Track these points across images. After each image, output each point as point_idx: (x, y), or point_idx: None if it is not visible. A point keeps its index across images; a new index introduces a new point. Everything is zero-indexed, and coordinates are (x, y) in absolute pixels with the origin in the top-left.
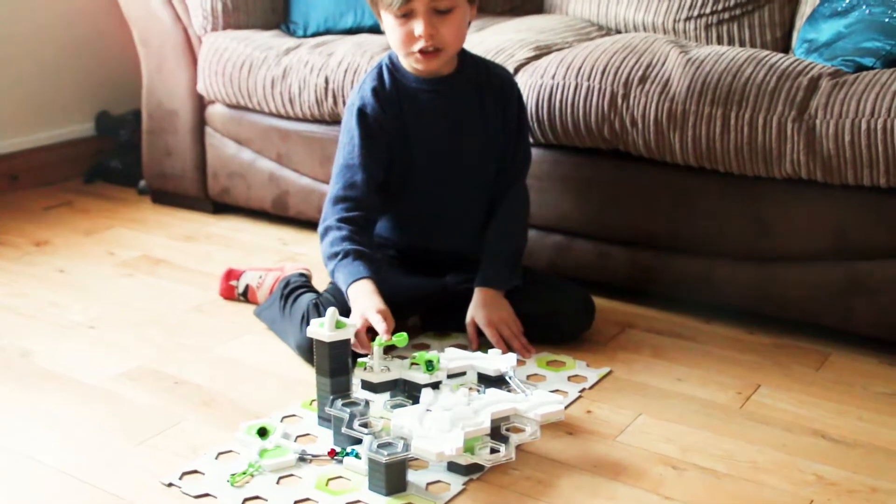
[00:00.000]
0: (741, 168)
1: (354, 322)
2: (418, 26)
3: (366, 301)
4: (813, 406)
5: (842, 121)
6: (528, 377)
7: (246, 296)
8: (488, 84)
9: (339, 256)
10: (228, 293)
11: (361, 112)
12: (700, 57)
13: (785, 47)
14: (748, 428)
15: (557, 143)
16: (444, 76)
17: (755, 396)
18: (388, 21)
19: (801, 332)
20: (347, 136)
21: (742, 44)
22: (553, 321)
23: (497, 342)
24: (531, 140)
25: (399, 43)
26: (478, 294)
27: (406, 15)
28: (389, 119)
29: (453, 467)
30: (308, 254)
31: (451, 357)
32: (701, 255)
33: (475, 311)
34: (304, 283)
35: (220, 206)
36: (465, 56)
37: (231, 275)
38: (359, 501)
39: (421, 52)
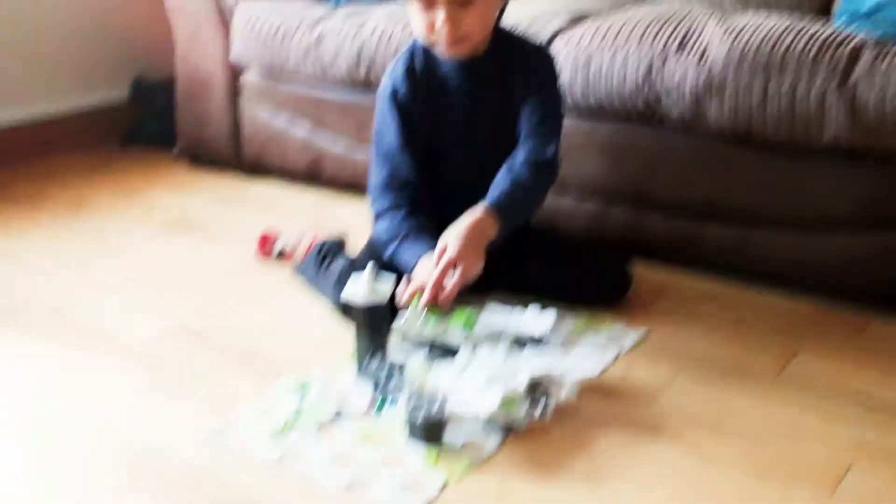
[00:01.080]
0: (780, 137)
1: (389, 288)
2: (439, 18)
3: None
4: (853, 373)
5: (884, 91)
6: (566, 338)
7: (282, 257)
8: (516, 63)
9: (399, 239)
10: (266, 254)
11: (394, 95)
12: (739, 26)
13: (825, 17)
14: (787, 393)
15: (594, 112)
16: (475, 58)
17: (794, 362)
18: (412, 8)
19: (840, 300)
20: (384, 121)
21: (781, 13)
22: (590, 287)
23: (434, 280)
24: (563, 111)
25: (422, 31)
26: (471, 212)
27: (429, 4)
28: (420, 100)
29: (490, 426)
30: (343, 218)
31: (489, 316)
32: (738, 223)
33: (456, 227)
34: (336, 248)
35: (257, 170)
36: (498, 35)
37: (267, 238)
38: (397, 453)
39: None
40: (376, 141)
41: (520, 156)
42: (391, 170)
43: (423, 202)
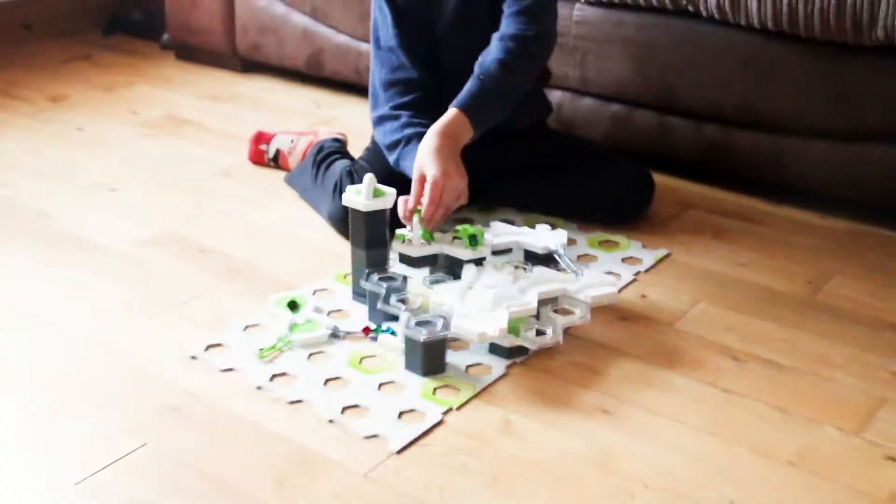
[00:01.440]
0: (826, 33)
1: (394, 191)
2: None
3: None
4: (890, 298)
5: None
6: (579, 257)
7: (276, 161)
8: None
9: (402, 143)
10: (258, 157)
11: None
12: None
13: None
14: (817, 319)
15: (619, 2)
16: None
17: (827, 286)
18: None
19: (879, 218)
20: (381, 15)
21: None
22: (607, 199)
23: (429, 199)
24: None
25: None
26: (441, 119)
27: None
28: None
29: (495, 349)
30: (344, 118)
31: (496, 232)
32: (773, 130)
33: (426, 143)
34: (338, 148)
35: (250, 65)
36: None
37: (261, 138)
38: (393, 382)
39: None
40: (374, 37)
41: (493, 42)
42: (392, 66)
43: (426, 102)
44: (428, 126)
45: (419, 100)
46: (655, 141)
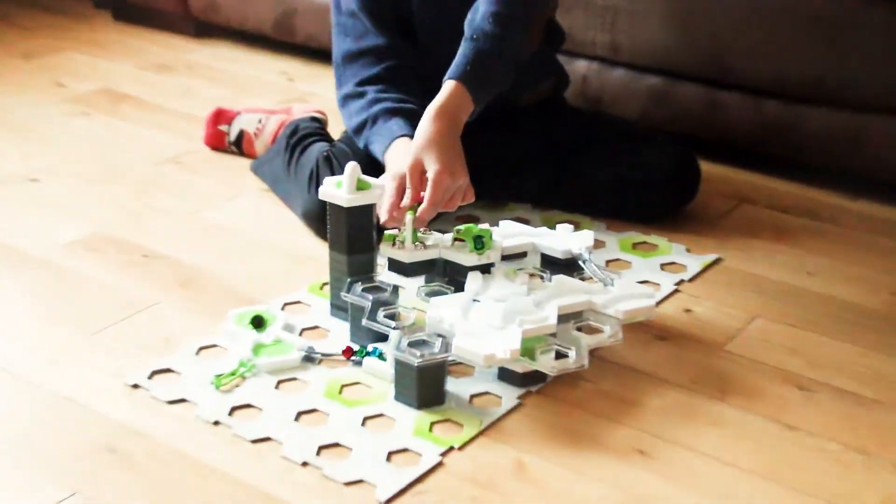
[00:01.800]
0: None
1: (384, 183)
2: None
3: (405, 161)
4: None
5: None
6: (608, 263)
7: (240, 145)
8: None
9: (369, 123)
10: (217, 141)
11: None
12: None
13: None
14: None
15: None
16: None
17: None
18: None
19: None
20: None
21: None
22: (643, 190)
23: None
24: None
25: None
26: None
27: None
28: None
29: (506, 376)
30: (321, 93)
31: (506, 233)
32: (850, 106)
33: (421, 129)
34: (316, 129)
35: (205, 28)
36: None
37: (220, 117)
38: (381, 416)
39: None
40: (334, 2)
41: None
42: (354, 37)
43: (398, 73)
44: (401, 101)
45: (390, 71)
46: (703, 121)
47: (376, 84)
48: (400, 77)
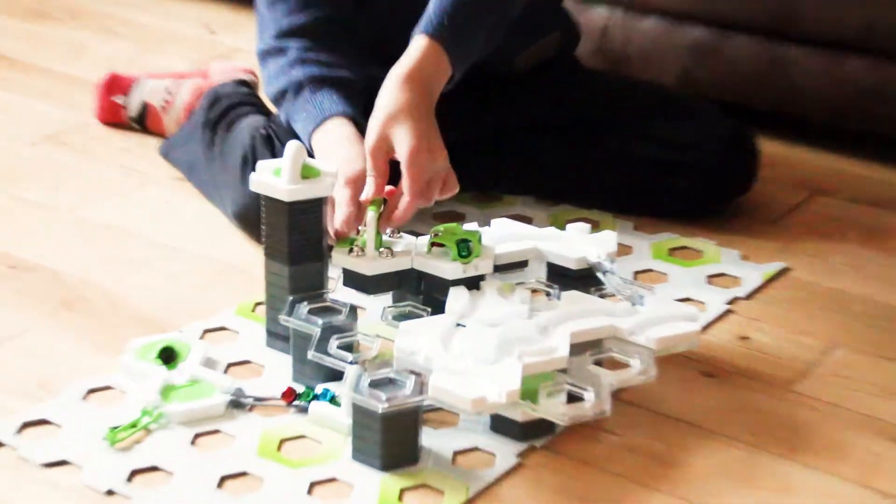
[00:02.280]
0: None
1: (335, 173)
2: None
3: (346, 154)
4: None
5: None
6: (637, 275)
7: (143, 121)
8: None
9: (291, 93)
10: (112, 115)
11: None
12: None
13: None
14: None
15: None
16: None
17: None
18: None
19: None
20: None
21: None
22: (683, 176)
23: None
24: None
25: None
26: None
27: None
28: None
29: (502, 426)
30: (252, 47)
31: (501, 235)
32: None
33: (387, 101)
34: (244, 97)
35: None
36: None
37: (116, 84)
38: (334, 480)
39: None
40: None
41: None
42: None
43: (334, 27)
44: (332, 67)
45: (320, 23)
46: (762, 84)
47: (300, 38)
48: (332, 32)
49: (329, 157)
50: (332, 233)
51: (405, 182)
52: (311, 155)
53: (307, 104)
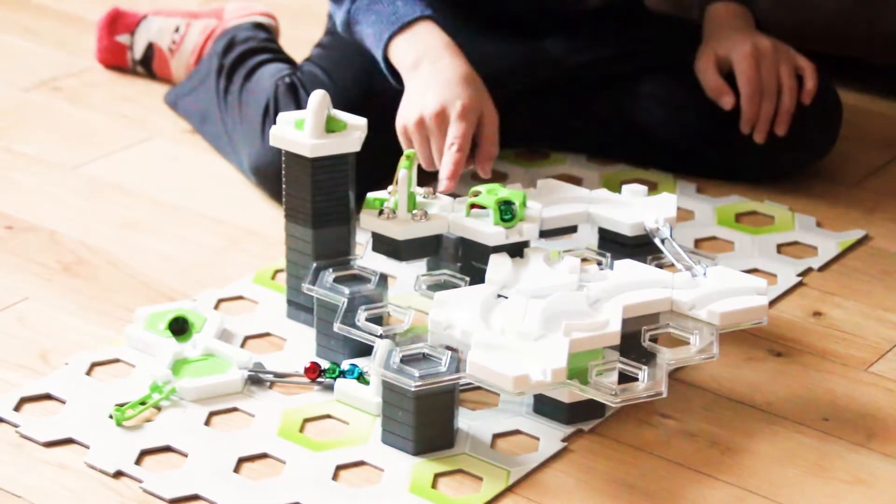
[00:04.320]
0: None
1: (363, 126)
2: None
3: (457, 70)
4: None
5: None
6: (699, 243)
7: (148, 64)
8: None
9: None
10: (115, 57)
11: None
12: None
13: None
14: None
15: None
16: None
17: None
18: None
19: None
20: None
21: None
22: (751, 130)
23: (751, 92)
24: None
25: None
26: (713, 17)
27: None
28: None
29: (546, 408)
30: None
31: (548, 197)
32: None
33: (715, 40)
34: (262, 43)
35: None
36: None
37: (119, 21)
38: (362, 464)
39: None
40: None
41: None
42: None
43: None
44: None
45: None
46: (845, 28)
47: None
48: None
49: (423, 71)
50: (444, 178)
51: (485, 132)
52: (381, 72)
53: (384, 6)
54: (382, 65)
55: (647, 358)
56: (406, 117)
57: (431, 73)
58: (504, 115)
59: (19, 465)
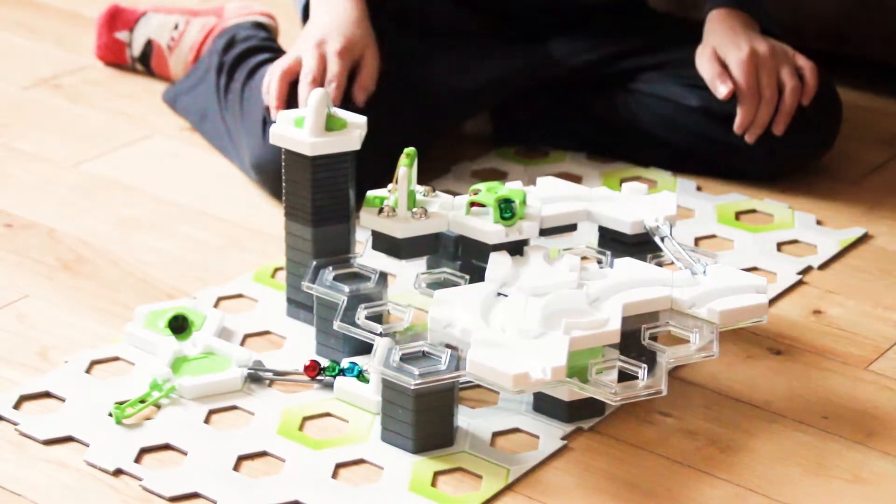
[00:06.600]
0: None
1: (363, 124)
2: None
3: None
4: None
5: None
6: (699, 240)
7: (147, 61)
8: None
9: None
10: (113, 54)
11: None
12: None
13: None
14: None
15: None
16: None
17: None
18: None
19: None
20: None
21: None
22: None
23: (748, 98)
24: None
25: None
26: (714, 21)
27: None
28: None
29: (546, 406)
30: None
31: (548, 195)
32: None
33: (715, 40)
34: (262, 42)
35: None
36: None
37: (117, 19)
38: (362, 462)
39: None
40: None
41: None
42: None
43: None
44: None
45: None
46: (845, 26)
47: None
48: None
49: (318, 11)
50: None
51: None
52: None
53: None
54: (300, 13)
55: (647, 356)
56: (289, 56)
57: (324, 13)
58: (504, 114)
59: (19, 463)
